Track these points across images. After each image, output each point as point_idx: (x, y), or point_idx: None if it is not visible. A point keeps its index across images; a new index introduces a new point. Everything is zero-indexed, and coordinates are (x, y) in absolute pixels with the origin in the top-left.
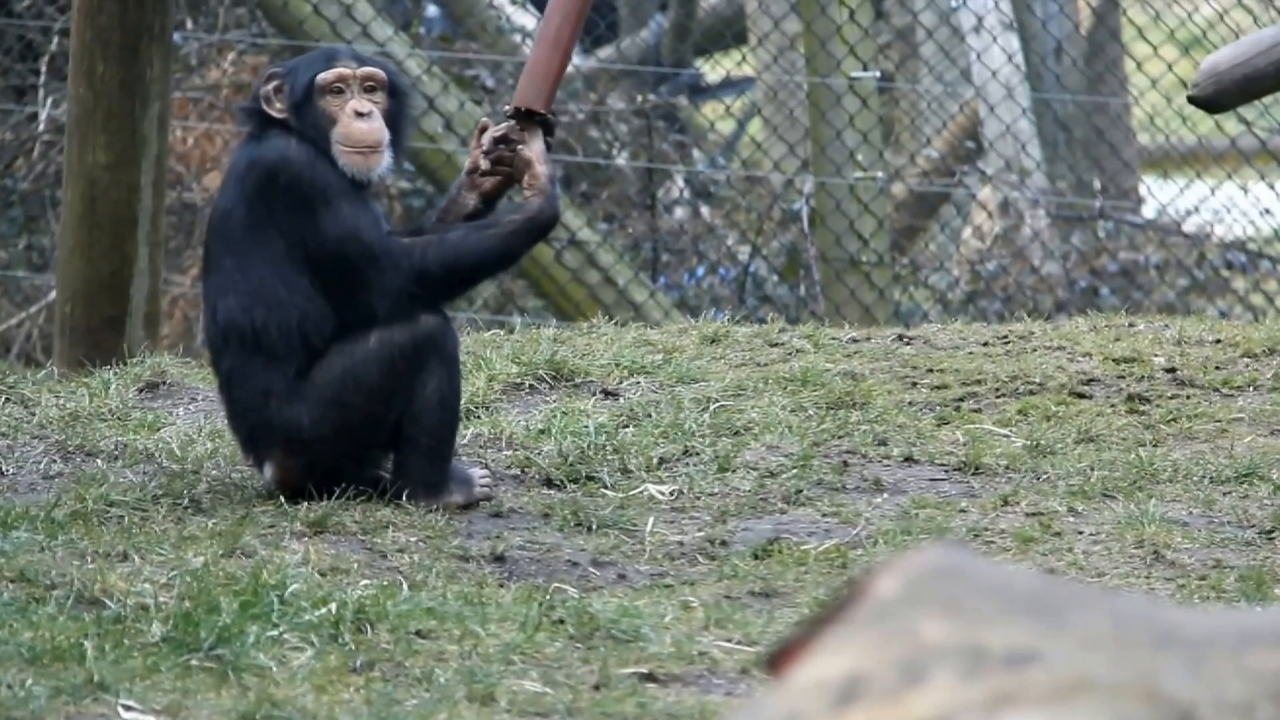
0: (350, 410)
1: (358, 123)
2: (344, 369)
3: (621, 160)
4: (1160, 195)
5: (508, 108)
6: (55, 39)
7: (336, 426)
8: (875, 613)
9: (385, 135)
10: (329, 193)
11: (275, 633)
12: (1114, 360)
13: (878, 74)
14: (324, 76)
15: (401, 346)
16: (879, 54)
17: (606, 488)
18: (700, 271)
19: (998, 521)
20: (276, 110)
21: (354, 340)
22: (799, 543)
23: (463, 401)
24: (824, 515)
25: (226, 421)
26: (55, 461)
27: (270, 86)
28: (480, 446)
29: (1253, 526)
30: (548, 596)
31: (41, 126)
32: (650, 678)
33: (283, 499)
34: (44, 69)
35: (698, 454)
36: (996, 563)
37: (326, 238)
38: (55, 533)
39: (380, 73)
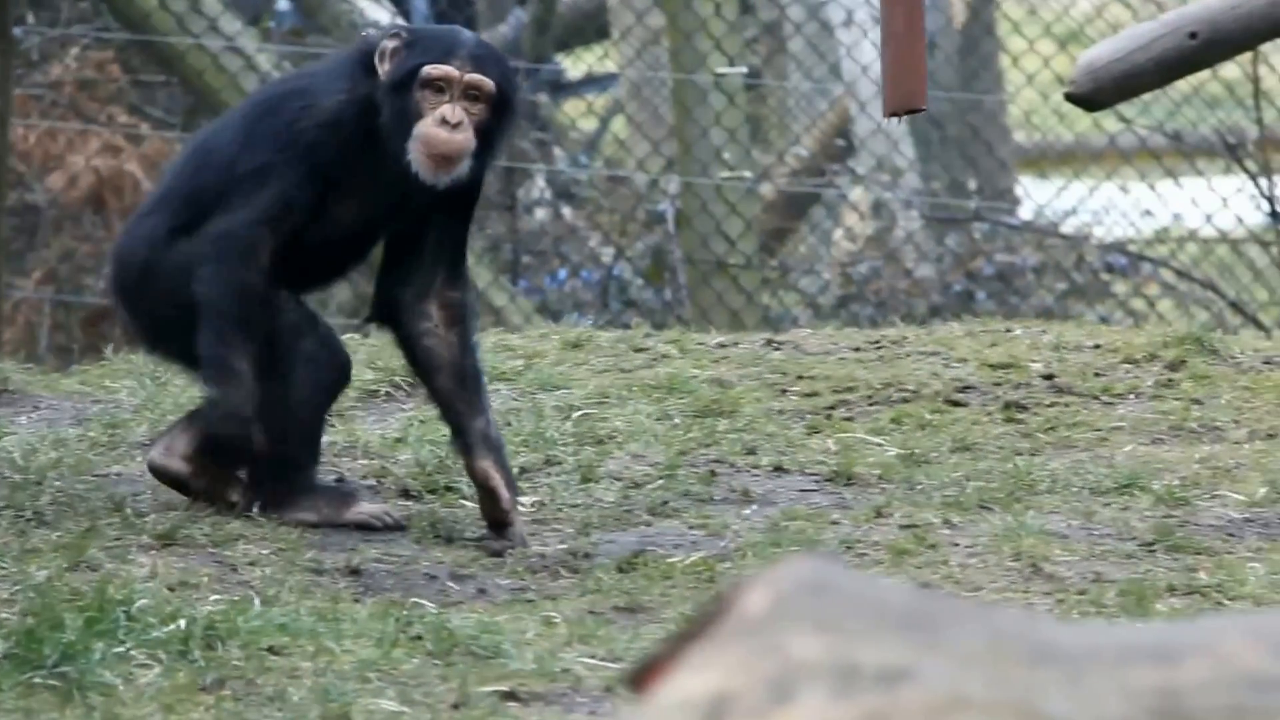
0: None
1: (440, 130)
2: None
3: None
4: (1037, 196)
5: (887, 118)
6: None
7: None
8: (743, 629)
9: (469, 148)
10: (293, 157)
11: (122, 649)
12: (990, 366)
13: (744, 70)
14: (428, 71)
15: None
16: (746, 49)
17: (465, 499)
18: (562, 274)
19: (871, 533)
20: (382, 71)
21: None
22: (665, 556)
23: None
24: (691, 527)
25: None
26: None
27: (390, 45)
28: (335, 455)
29: (1134, 538)
30: (405, 611)
31: None
32: (511, 696)
33: (129, 510)
34: None
35: (560, 464)
36: (869, 576)
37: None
38: None
39: (487, 84)
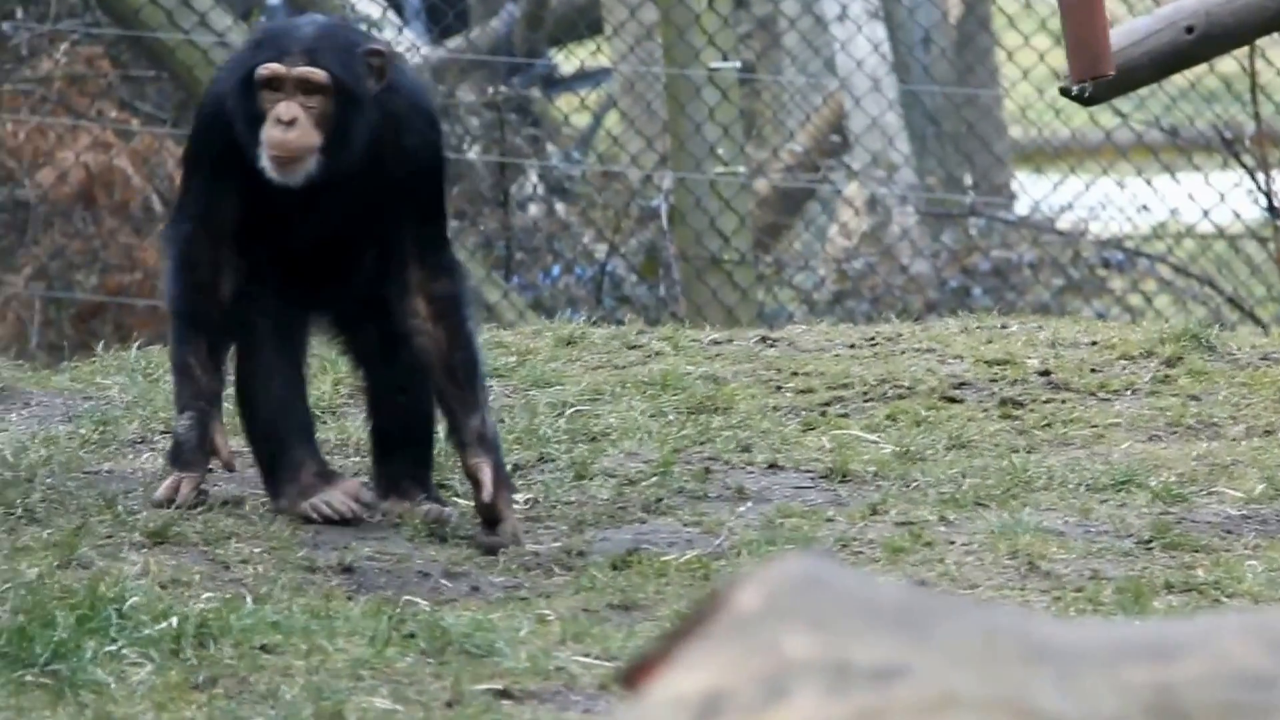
0: None
1: (276, 130)
2: None
3: (473, 155)
4: (1033, 191)
5: (1075, 86)
6: None
7: None
8: (736, 626)
9: (310, 143)
10: (200, 155)
11: (114, 648)
12: (986, 363)
13: (738, 65)
14: (259, 72)
15: None
16: (739, 44)
17: (458, 495)
18: (555, 271)
19: (866, 531)
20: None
21: None
22: (659, 553)
23: (309, 404)
24: (685, 525)
25: None
26: None
27: (242, 45)
28: (327, 453)
29: (1130, 536)
30: (398, 609)
31: None
32: (505, 694)
33: (120, 508)
34: None
35: (553, 461)
36: (863, 574)
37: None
38: None
39: (317, 75)
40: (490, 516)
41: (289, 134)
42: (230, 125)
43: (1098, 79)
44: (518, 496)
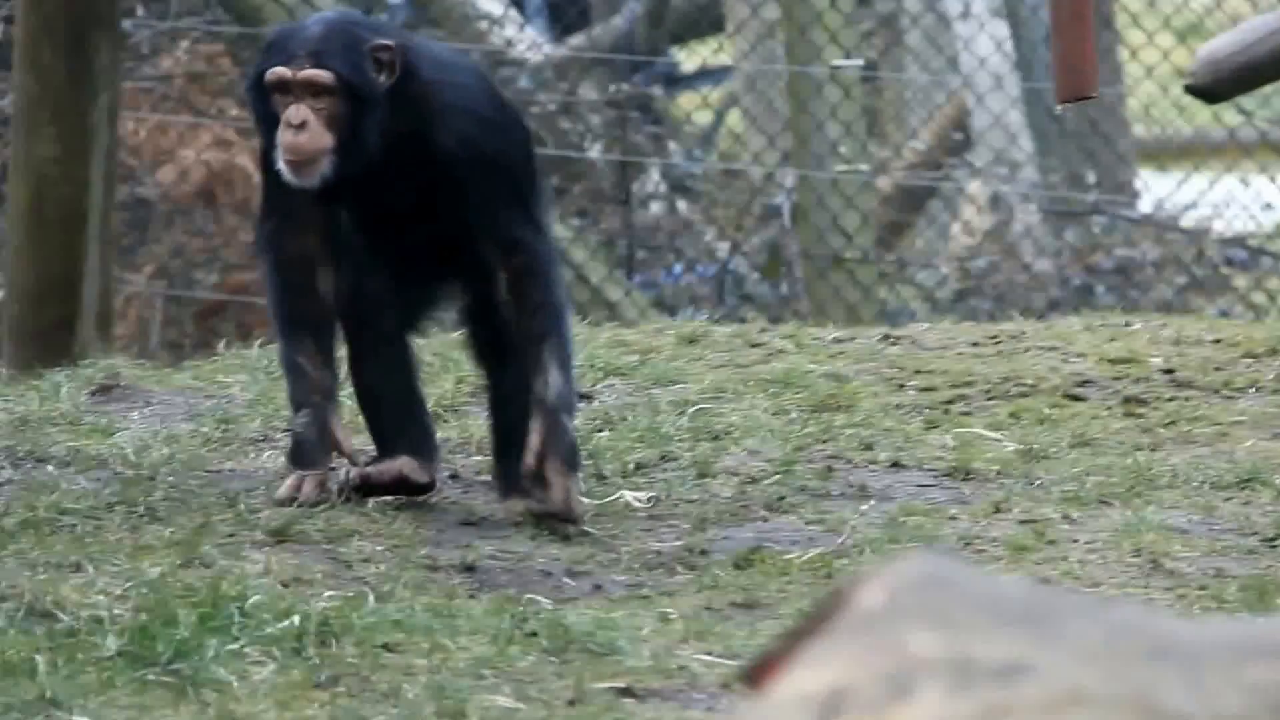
0: None
1: (288, 134)
2: None
3: (594, 153)
4: (1157, 189)
5: (1059, 107)
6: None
7: None
8: (860, 624)
9: (323, 144)
10: (266, 148)
11: (236, 646)
12: (1110, 361)
13: (861, 62)
14: (267, 77)
15: None
16: (862, 41)
17: (581, 494)
18: (677, 269)
19: (989, 529)
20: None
21: None
22: (782, 551)
23: (430, 404)
24: (808, 523)
25: None
26: (4, 468)
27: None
28: (449, 452)
29: (1255, 534)
30: (520, 608)
31: None
32: (627, 692)
33: (242, 506)
34: None
35: (676, 459)
36: (986, 572)
37: None
38: (5, 542)
39: (323, 76)
40: (534, 479)
41: (300, 137)
42: None
43: (1081, 100)
44: (640, 495)
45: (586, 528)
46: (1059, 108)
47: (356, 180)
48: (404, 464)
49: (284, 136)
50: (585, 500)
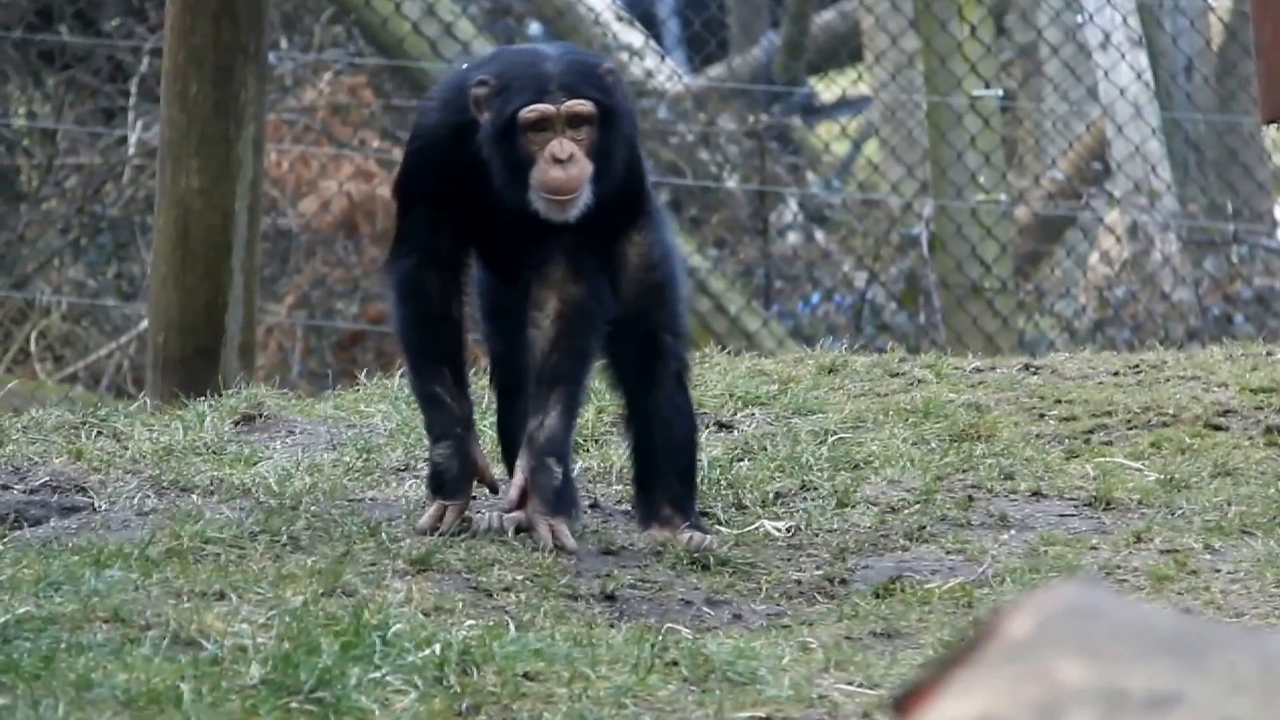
0: None
1: (555, 170)
2: None
3: (732, 183)
4: None
5: (1265, 125)
6: (146, 59)
7: None
8: (1008, 653)
9: (586, 174)
10: (412, 186)
11: (378, 674)
12: (1251, 390)
13: (1000, 92)
14: (525, 116)
15: None
16: (1001, 71)
17: (721, 524)
18: (815, 298)
19: (1130, 559)
20: (482, 120)
21: None
22: (922, 581)
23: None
24: (948, 552)
25: None
26: (149, 497)
27: (481, 94)
28: (590, 481)
29: None
30: (660, 637)
31: (131, 150)
32: None
33: (384, 535)
34: (134, 90)
35: (815, 488)
36: (1133, 601)
37: None
38: (150, 571)
39: (586, 108)
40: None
41: (569, 171)
42: (447, 158)
43: None
44: (779, 524)
45: (727, 555)
46: (1265, 126)
47: (497, 210)
48: (557, 526)
49: (551, 173)
50: (724, 530)
